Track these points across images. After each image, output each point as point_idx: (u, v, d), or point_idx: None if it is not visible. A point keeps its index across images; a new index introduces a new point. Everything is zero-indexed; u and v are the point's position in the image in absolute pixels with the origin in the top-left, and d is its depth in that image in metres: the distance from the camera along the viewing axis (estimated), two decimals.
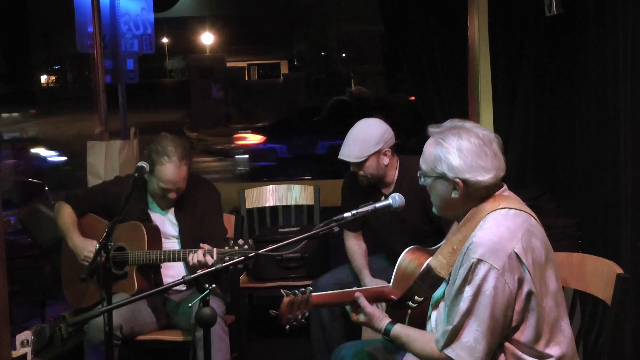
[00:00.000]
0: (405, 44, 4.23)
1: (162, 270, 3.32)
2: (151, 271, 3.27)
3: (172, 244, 3.34)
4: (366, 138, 3.23)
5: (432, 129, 2.17)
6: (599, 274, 2.33)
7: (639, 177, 2.98)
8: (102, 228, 3.27)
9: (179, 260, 3.15)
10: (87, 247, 3.25)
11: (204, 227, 3.29)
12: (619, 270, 2.24)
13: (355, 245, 3.48)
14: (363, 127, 3.29)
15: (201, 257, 3.00)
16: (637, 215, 3.00)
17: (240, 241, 2.80)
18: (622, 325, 3.02)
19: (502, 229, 2.02)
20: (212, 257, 2.99)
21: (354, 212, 2.29)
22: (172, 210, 3.36)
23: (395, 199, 2.33)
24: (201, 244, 3.07)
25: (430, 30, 4.12)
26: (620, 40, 3.03)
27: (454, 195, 2.10)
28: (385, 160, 3.27)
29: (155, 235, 3.28)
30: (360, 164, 3.25)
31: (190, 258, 3.04)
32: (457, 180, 2.07)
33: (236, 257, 2.80)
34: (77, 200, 3.43)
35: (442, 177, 2.10)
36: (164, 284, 3.28)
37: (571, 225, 3.49)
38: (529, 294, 1.99)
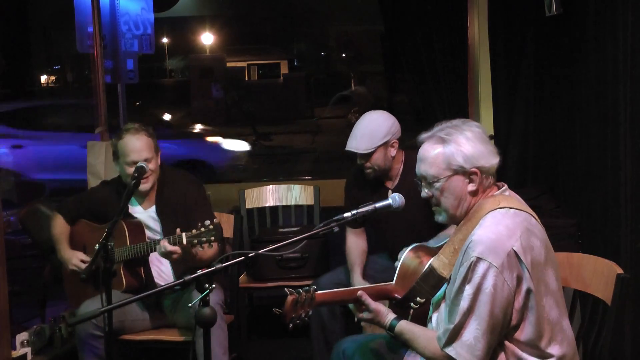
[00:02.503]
0: (405, 44, 4.23)
1: (152, 266, 3.31)
2: (139, 266, 3.25)
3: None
4: (374, 130, 3.24)
5: (424, 136, 2.19)
6: (599, 274, 2.33)
7: (639, 177, 2.98)
8: (93, 232, 3.30)
9: (153, 249, 3.13)
10: (73, 259, 3.31)
11: (191, 220, 3.21)
12: (619, 271, 2.24)
13: (354, 243, 3.48)
14: (370, 119, 3.30)
15: (164, 245, 2.98)
16: (636, 215, 3.00)
17: (207, 222, 2.83)
18: (622, 325, 3.02)
19: (501, 227, 2.02)
20: (182, 242, 2.94)
21: (354, 212, 2.29)
22: (152, 207, 3.34)
23: (395, 199, 2.33)
24: (178, 230, 3.04)
25: (430, 30, 4.12)
26: (620, 40, 3.03)
27: (470, 187, 2.13)
28: (393, 152, 3.28)
29: (136, 229, 3.28)
30: (368, 156, 3.25)
31: (159, 245, 3.03)
32: (474, 169, 2.11)
33: (204, 238, 2.81)
34: (67, 209, 3.48)
35: (459, 171, 2.12)
36: (154, 278, 3.28)
37: (571, 225, 3.50)
38: (528, 292, 2.00)
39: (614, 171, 3.11)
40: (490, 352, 2.01)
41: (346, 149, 3.29)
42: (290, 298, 2.24)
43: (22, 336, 3.42)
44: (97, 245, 2.85)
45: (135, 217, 3.33)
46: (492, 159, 2.12)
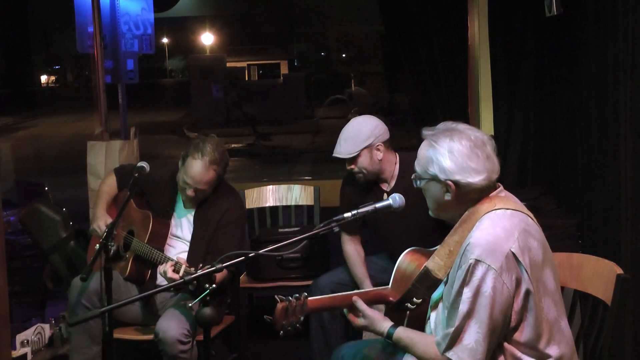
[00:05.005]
0: (405, 44, 4.22)
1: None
2: (148, 266, 3.25)
3: (181, 244, 3.33)
4: (357, 134, 3.26)
5: (426, 132, 2.18)
6: (599, 275, 2.33)
7: (639, 177, 2.98)
8: (128, 210, 3.27)
9: (160, 264, 3.11)
10: (98, 220, 3.30)
11: (214, 238, 3.25)
12: (619, 271, 2.24)
13: (355, 253, 3.46)
14: (353, 124, 3.33)
15: (167, 269, 2.94)
16: (637, 215, 3.00)
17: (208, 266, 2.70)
18: (622, 325, 3.02)
19: (498, 229, 2.02)
20: (177, 272, 2.91)
21: (354, 212, 2.29)
22: (193, 211, 3.34)
23: (395, 199, 2.33)
24: (177, 257, 3.04)
25: (430, 30, 4.12)
26: (620, 40, 3.03)
27: (447, 197, 2.11)
28: (379, 155, 3.28)
29: (160, 231, 3.28)
30: (353, 160, 3.27)
31: (160, 267, 3.02)
32: (449, 182, 2.08)
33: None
34: (123, 173, 3.49)
35: (435, 179, 2.11)
36: (156, 280, 3.26)
37: (571, 226, 3.50)
38: (527, 293, 1.99)
39: (614, 171, 3.11)
40: (489, 354, 2.00)
41: (333, 155, 3.31)
42: (280, 305, 2.23)
43: (22, 336, 3.42)
44: (97, 245, 2.86)
45: (171, 216, 3.33)
46: (470, 177, 2.06)
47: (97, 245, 2.86)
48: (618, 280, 2.21)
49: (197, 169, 3.16)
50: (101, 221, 3.30)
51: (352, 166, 3.29)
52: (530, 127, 4.00)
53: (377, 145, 3.27)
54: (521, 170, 4.01)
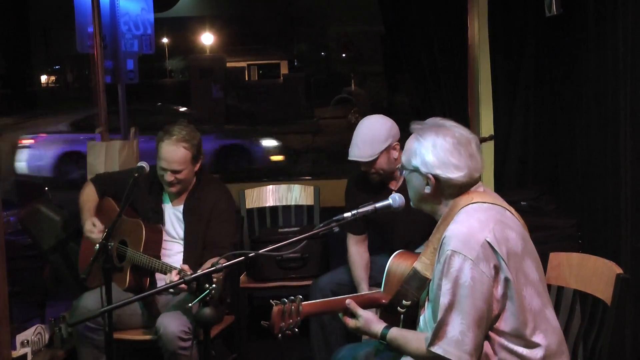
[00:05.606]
0: (405, 44, 4.22)
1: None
2: (147, 275, 3.25)
3: (176, 245, 3.33)
4: (375, 136, 3.24)
5: (414, 125, 2.24)
6: (599, 274, 2.33)
7: (639, 177, 2.98)
8: (120, 220, 3.25)
9: (162, 272, 3.11)
10: (87, 222, 3.30)
11: (208, 231, 3.26)
12: (619, 271, 2.24)
13: (357, 255, 3.45)
14: (369, 125, 3.30)
15: (173, 279, 2.93)
16: (636, 215, 3.00)
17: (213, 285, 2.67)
18: (622, 325, 3.02)
19: (472, 220, 2.06)
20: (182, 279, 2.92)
21: (354, 212, 2.29)
22: (181, 207, 3.34)
23: (395, 199, 2.33)
24: (181, 265, 3.04)
25: (430, 30, 4.12)
26: (620, 40, 3.03)
27: (427, 190, 2.17)
28: (395, 154, 3.28)
29: (154, 237, 3.27)
30: (372, 163, 3.25)
31: (166, 277, 3.02)
32: (429, 175, 2.14)
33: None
34: (101, 181, 3.51)
35: (416, 170, 2.17)
36: (157, 285, 3.25)
37: (571, 226, 3.50)
38: (506, 281, 2.01)
39: (614, 171, 3.12)
40: (479, 346, 2.01)
41: (349, 158, 3.29)
42: (276, 308, 2.24)
43: (22, 336, 3.41)
44: (97, 245, 2.85)
45: (162, 217, 3.33)
46: (450, 172, 2.11)
47: (97, 245, 2.86)
48: (618, 280, 2.21)
49: (167, 149, 3.20)
50: (88, 222, 3.29)
51: (371, 169, 3.28)
52: (530, 127, 4.00)
53: (394, 145, 3.28)
54: (521, 170, 4.01)
